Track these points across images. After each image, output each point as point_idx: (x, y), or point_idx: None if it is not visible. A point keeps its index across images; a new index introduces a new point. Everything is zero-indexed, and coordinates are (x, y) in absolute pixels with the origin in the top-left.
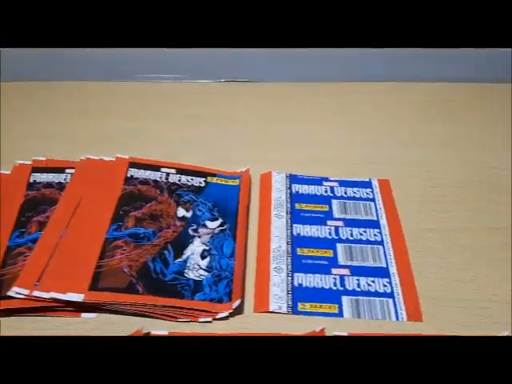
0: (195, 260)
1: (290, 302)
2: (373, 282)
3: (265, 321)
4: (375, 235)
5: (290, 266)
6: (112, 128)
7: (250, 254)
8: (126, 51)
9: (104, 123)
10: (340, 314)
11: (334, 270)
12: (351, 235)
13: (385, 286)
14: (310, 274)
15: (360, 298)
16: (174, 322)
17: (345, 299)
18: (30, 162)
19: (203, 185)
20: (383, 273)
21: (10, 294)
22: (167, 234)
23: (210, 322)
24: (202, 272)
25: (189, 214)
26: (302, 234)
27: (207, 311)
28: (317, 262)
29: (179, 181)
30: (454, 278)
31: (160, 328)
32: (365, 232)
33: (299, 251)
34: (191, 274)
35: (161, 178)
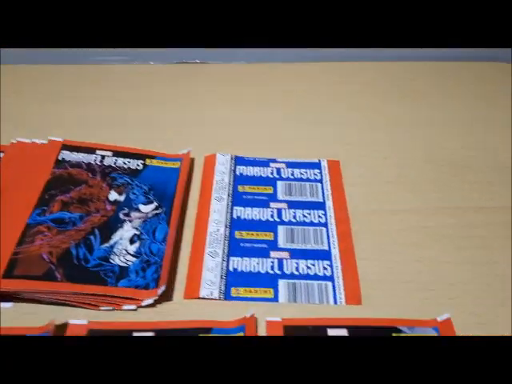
0: (123, 245)
1: (222, 288)
2: (313, 265)
3: (194, 308)
4: (319, 217)
5: (226, 250)
6: (49, 111)
7: (187, 239)
8: None
9: (42, 106)
10: (275, 299)
11: (272, 254)
12: (294, 217)
13: (325, 268)
14: (247, 258)
15: (298, 281)
16: (95, 311)
17: (281, 283)
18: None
19: (141, 167)
20: (325, 255)
21: None
22: (95, 219)
23: (134, 309)
24: (129, 258)
25: (121, 198)
26: (242, 217)
27: (131, 298)
28: (256, 245)
29: (115, 163)
30: (398, 260)
31: (80, 317)
32: (309, 214)
33: (238, 235)
34: (117, 260)
35: (95, 160)
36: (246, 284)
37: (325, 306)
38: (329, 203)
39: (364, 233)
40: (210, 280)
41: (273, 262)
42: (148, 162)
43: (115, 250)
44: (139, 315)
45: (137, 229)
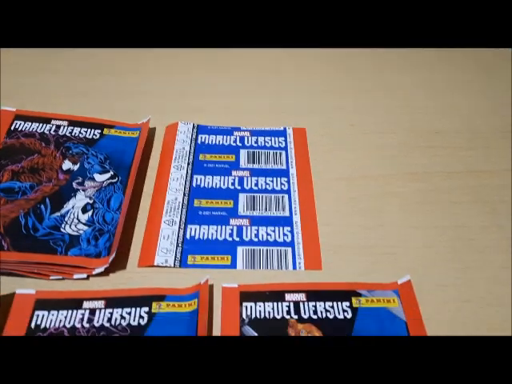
0: (75, 214)
1: (178, 255)
2: (273, 231)
3: (149, 276)
4: (282, 184)
5: (184, 218)
6: (7, 82)
7: (146, 208)
8: None
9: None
10: (233, 266)
11: (232, 221)
12: (256, 185)
13: (285, 235)
14: (205, 226)
15: (256, 247)
16: (44, 280)
17: (240, 250)
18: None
19: (97, 137)
20: (286, 222)
21: None
22: (46, 188)
23: (85, 278)
24: (80, 226)
25: (75, 167)
26: (202, 186)
27: (82, 267)
28: (215, 213)
29: (71, 133)
30: (360, 225)
31: (29, 287)
32: (271, 181)
33: (196, 203)
34: (68, 229)
35: (50, 130)
36: (203, 251)
37: (284, 272)
38: (292, 171)
39: (328, 199)
40: (166, 248)
41: (232, 230)
42: (106, 131)
43: (66, 219)
44: (91, 285)
45: (90, 198)
